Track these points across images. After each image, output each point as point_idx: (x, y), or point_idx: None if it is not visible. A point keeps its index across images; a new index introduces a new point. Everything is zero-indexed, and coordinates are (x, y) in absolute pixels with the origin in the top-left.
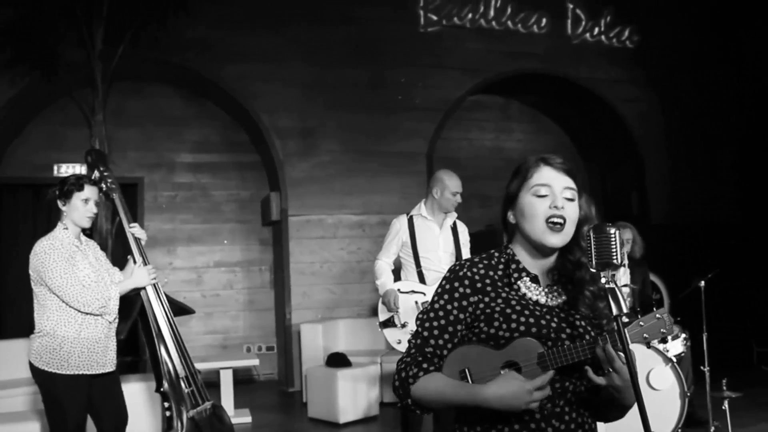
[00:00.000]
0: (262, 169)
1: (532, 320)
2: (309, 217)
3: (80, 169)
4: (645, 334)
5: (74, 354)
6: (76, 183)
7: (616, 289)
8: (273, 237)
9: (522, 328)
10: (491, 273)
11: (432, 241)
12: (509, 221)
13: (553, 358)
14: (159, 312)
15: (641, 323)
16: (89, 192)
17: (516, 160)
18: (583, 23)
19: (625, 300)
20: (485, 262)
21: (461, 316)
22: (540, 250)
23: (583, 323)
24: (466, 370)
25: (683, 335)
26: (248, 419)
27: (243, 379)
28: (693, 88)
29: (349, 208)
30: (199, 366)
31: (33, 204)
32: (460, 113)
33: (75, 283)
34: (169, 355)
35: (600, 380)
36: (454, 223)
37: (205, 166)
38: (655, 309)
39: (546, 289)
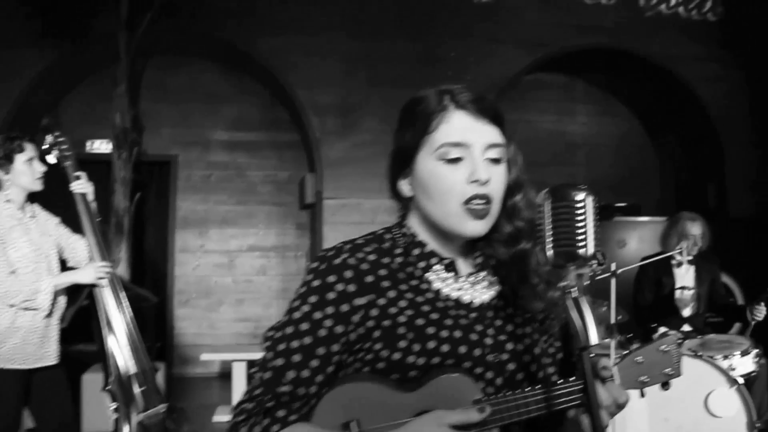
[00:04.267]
0: (301, 148)
1: (458, 334)
2: (346, 200)
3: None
4: (643, 377)
5: (6, 345)
6: (14, 144)
7: (582, 301)
8: (310, 221)
9: (444, 349)
10: (386, 260)
11: None
12: (401, 192)
13: (502, 413)
14: (110, 298)
15: (638, 358)
16: (31, 150)
17: (578, 145)
18: None
19: (592, 324)
20: (374, 245)
21: (339, 329)
22: (452, 236)
23: (527, 330)
24: (355, 425)
25: (755, 350)
26: None
27: None
28: None
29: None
30: (210, 357)
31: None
32: (518, 92)
33: (3, 266)
34: (120, 349)
35: None
36: None
37: (242, 145)
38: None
39: (470, 279)
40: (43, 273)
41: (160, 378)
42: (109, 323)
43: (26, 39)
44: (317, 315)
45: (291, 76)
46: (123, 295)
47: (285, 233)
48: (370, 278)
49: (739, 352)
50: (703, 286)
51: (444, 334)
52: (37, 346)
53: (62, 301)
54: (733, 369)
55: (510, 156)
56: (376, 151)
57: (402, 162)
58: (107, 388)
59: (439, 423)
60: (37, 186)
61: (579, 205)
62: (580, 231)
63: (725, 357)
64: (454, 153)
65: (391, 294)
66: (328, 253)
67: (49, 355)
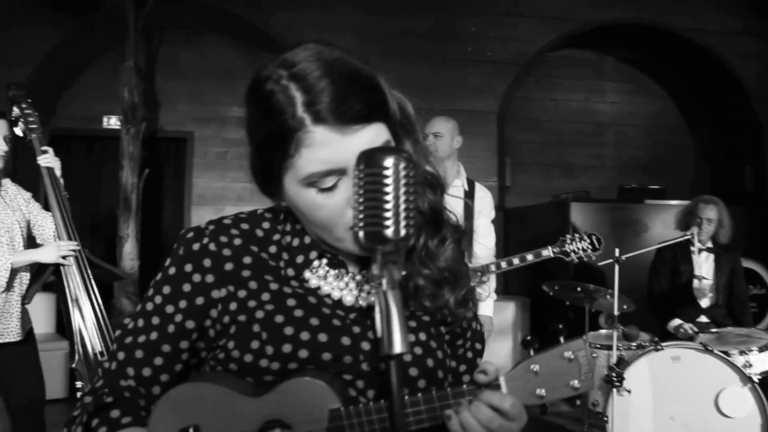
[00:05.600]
0: None
1: (323, 338)
2: None
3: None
4: (540, 390)
5: None
6: None
7: (390, 296)
8: None
9: (303, 354)
10: (254, 248)
11: None
12: (280, 204)
13: (357, 424)
14: (77, 276)
15: (534, 366)
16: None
17: (608, 125)
18: None
19: (398, 326)
20: (244, 226)
21: (190, 325)
22: None
23: (422, 336)
24: None
25: None
26: None
27: None
28: None
29: None
30: None
31: (86, 156)
32: (544, 70)
33: None
34: (86, 326)
35: None
36: (471, 185)
37: None
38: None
39: (359, 278)
40: (4, 248)
41: None
42: (75, 301)
43: (37, 15)
44: (169, 309)
45: None
46: (88, 272)
47: None
48: (229, 266)
49: (756, 348)
50: (722, 276)
51: (304, 336)
52: None
53: (25, 278)
54: (750, 366)
55: (396, 119)
56: None
57: (267, 181)
58: (73, 366)
59: None
60: None
61: (386, 172)
62: (386, 206)
63: (741, 353)
64: (328, 182)
65: (253, 285)
66: (188, 235)
67: (10, 332)
